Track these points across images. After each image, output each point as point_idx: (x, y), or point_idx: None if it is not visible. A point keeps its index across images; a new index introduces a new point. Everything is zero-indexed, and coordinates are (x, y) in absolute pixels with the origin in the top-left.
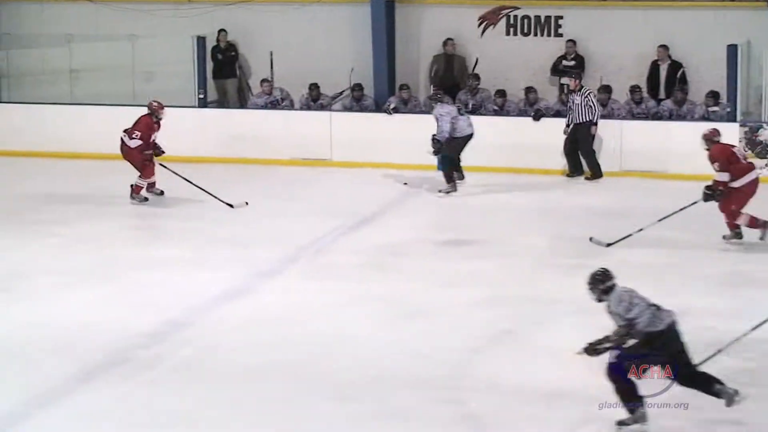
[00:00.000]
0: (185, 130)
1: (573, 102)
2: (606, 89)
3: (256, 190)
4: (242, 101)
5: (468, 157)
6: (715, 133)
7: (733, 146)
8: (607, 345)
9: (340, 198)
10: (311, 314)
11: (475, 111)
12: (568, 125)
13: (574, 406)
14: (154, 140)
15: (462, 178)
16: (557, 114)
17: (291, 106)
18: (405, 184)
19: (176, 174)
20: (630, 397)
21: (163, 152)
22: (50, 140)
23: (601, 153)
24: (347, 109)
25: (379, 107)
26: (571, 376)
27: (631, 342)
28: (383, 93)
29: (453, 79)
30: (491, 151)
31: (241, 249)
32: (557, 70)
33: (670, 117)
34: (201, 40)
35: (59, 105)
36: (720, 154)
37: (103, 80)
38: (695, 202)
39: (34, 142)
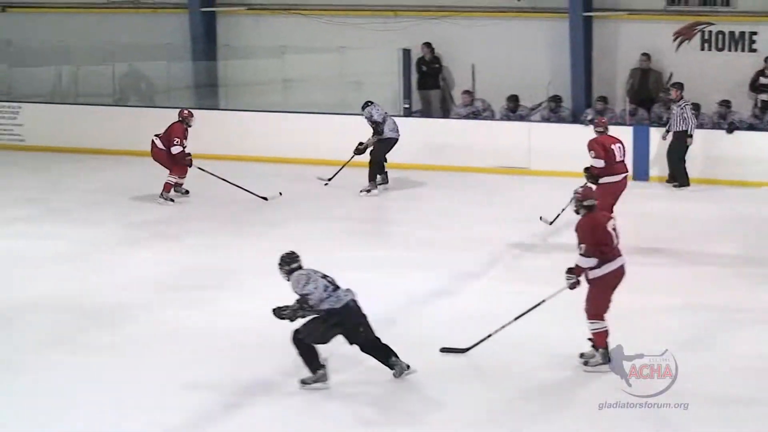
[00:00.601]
0: None
1: (671, 112)
2: None
3: (458, 197)
4: (445, 111)
5: (664, 167)
6: (601, 123)
7: (616, 142)
8: (286, 314)
9: (538, 205)
10: (508, 316)
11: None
12: (667, 131)
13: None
14: None
15: (386, 181)
16: (750, 127)
17: (491, 117)
18: (325, 184)
19: (212, 174)
20: (311, 361)
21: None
22: (262, 146)
23: None
24: (545, 119)
25: (576, 118)
26: (760, 384)
27: (313, 315)
28: (580, 105)
29: (648, 92)
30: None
31: (443, 251)
32: (755, 86)
33: None
34: (407, 53)
35: (272, 113)
36: (598, 144)
37: (313, 89)
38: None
39: (249, 147)
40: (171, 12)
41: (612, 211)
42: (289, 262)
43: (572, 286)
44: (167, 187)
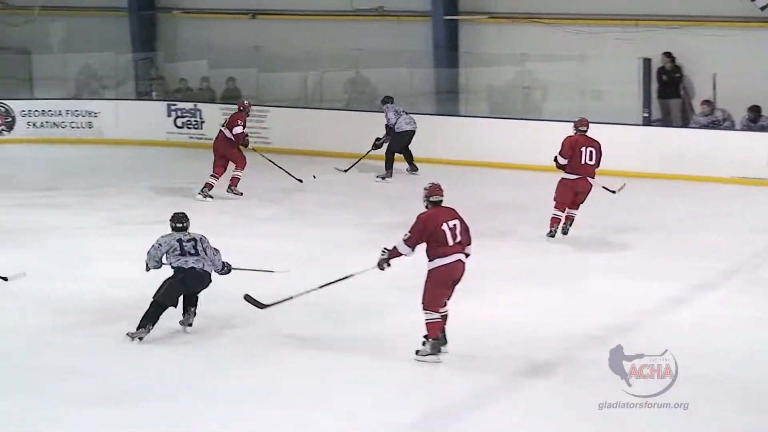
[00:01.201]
0: (630, 146)
1: None
2: None
3: (695, 206)
4: (685, 121)
5: None
6: (582, 123)
7: (590, 146)
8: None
9: None
10: (744, 327)
11: None
12: None
13: None
14: None
15: (416, 170)
16: None
17: (732, 127)
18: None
19: (264, 156)
20: (147, 319)
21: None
22: (500, 153)
23: None
24: None
25: None
26: None
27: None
28: None
29: None
30: None
31: (679, 260)
32: None
33: None
34: (647, 62)
35: (512, 120)
36: (568, 143)
37: (553, 97)
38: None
39: (487, 153)
40: (414, 20)
41: (574, 206)
42: (176, 221)
43: (380, 265)
44: (234, 181)
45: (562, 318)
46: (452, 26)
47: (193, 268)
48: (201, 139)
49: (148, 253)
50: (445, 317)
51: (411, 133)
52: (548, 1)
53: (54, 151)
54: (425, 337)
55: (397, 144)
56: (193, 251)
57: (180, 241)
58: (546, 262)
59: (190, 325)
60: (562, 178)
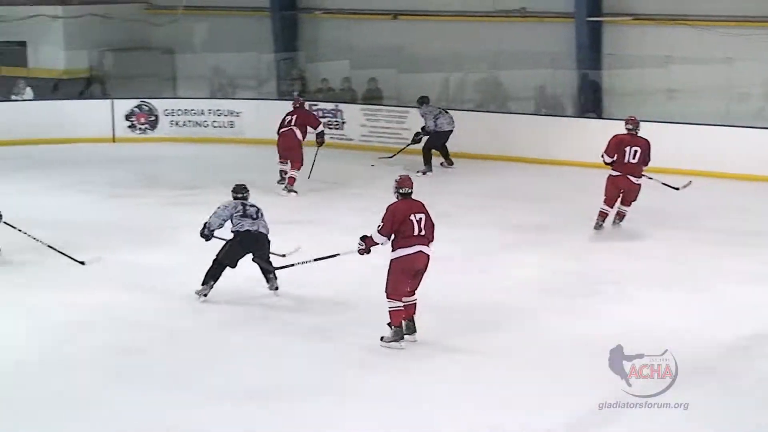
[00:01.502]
0: None
1: None
2: None
3: None
4: None
5: None
6: (629, 121)
7: (636, 145)
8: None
9: None
10: None
11: None
12: None
13: None
14: None
15: (451, 164)
16: None
17: None
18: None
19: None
20: (209, 276)
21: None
22: None
23: None
24: None
25: None
26: None
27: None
28: None
29: None
30: None
31: None
32: None
33: None
34: None
35: (655, 123)
36: (613, 142)
37: (698, 100)
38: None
39: None
40: (557, 21)
41: (626, 203)
42: (236, 192)
43: (360, 252)
44: (291, 180)
45: (701, 323)
46: (595, 27)
47: (248, 230)
48: (342, 139)
49: (215, 212)
50: (410, 306)
51: (450, 132)
52: (693, 3)
53: (196, 150)
54: (389, 324)
55: (436, 142)
56: (254, 216)
57: (244, 205)
58: (681, 266)
59: (276, 288)
60: (609, 175)
